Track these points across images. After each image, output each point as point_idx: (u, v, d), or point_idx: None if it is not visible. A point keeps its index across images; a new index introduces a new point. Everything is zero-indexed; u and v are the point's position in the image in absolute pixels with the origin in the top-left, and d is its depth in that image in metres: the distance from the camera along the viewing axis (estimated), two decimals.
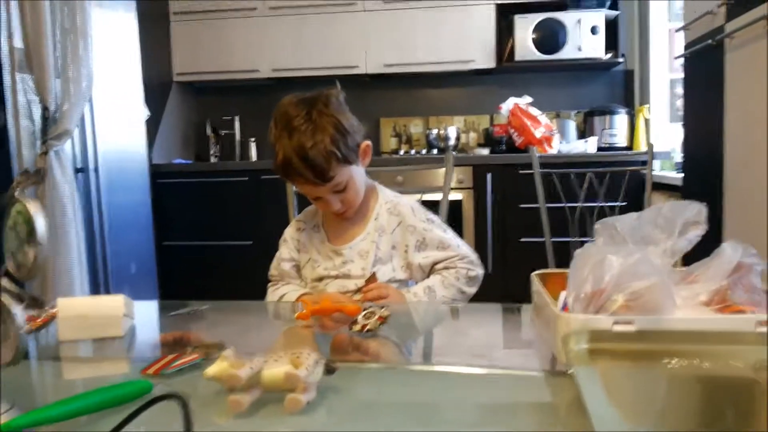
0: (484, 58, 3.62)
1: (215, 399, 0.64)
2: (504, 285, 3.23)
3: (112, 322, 0.91)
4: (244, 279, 3.44)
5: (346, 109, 1.23)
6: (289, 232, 1.40)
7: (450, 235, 1.34)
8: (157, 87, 3.68)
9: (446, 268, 1.31)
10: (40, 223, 0.52)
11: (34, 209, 0.53)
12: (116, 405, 0.61)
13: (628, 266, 0.70)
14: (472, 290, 1.32)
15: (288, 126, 1.18)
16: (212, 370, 0.64)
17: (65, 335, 0.91)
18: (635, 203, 2.91)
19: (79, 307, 0.94)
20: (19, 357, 0.57)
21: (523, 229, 3.27)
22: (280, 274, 1.37)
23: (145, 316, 1.08)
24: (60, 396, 0.59)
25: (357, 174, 1.26)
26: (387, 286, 1.24)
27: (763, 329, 0.69)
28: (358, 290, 1.21)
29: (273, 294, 1.34)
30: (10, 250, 0.56)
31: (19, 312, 0.56)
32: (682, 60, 2.58)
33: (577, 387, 0.59)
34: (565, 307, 0.77)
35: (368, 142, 1.28)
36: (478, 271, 1.33)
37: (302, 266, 1.36)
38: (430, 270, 1.32)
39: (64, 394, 0.60)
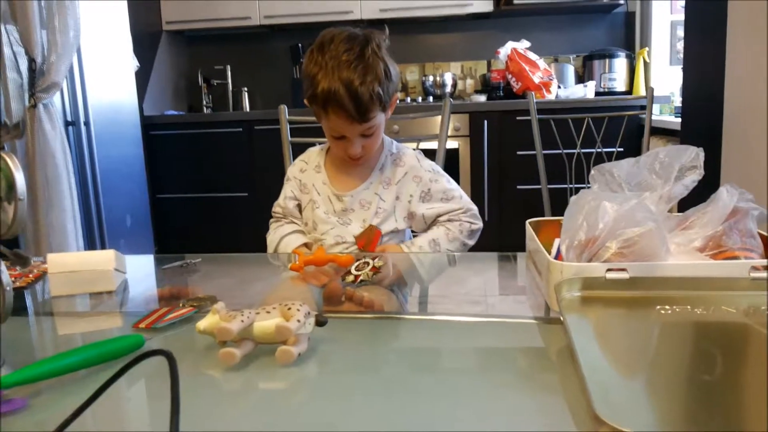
0: (482, 2, 3.53)
1: (208, 352, 0.64)
2: (500, 233, 3.24)
3: (103, 276, 0.91)
4: (240, 230, 3.46)
5: (390, 56, 1.23)
6: (292, 171, 1.40)
7: (454, 186, 1.34)
8: (146, 37, 3.60)
9: (450, 220, 1.31)
10: (20, 178, 0.51)
11: (14, 164, 0.51)
12: (108, 360, 0.61)
13: (622, 213, 0.69)
14: (472, 242, 1.33)
15: (338, 57, 1.15)
16: (204, 323, 0.64)
17: (57, 290, 0.91)
18: (633, 149, 2.90)
19: (69, 263, 0.93)
20: (6, 314, 0.56)
21: (519, 176, 3.26)
22: (283, 211, 1.38)
23: (137, 270, 1.08)
24: (54, 351, 0.59)
25: (383, 123, 1.26)
26: (384, 248, 1.25)
27: (758, 274, 0.69)
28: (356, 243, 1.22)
29: (274, 232, 1.35)
30: None
31: (4, 269, 0.55)
32: (683, 1, 2.51)
33: (568, 336, 0.59)
34: (558, 255, 0.76)
35: (398, 95, 1.27)
36: (480, 225, 1.34)
37: (303, 206, 1.36)
38: (433, 222, 1.32)
39: (58, 349, 0.60)
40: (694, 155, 0.80)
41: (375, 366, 0.62)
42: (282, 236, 1.32)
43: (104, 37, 2.90)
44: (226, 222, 3.52)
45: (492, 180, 3.30)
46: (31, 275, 0.96)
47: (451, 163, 3.20)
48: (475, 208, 1.34)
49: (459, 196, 1.33)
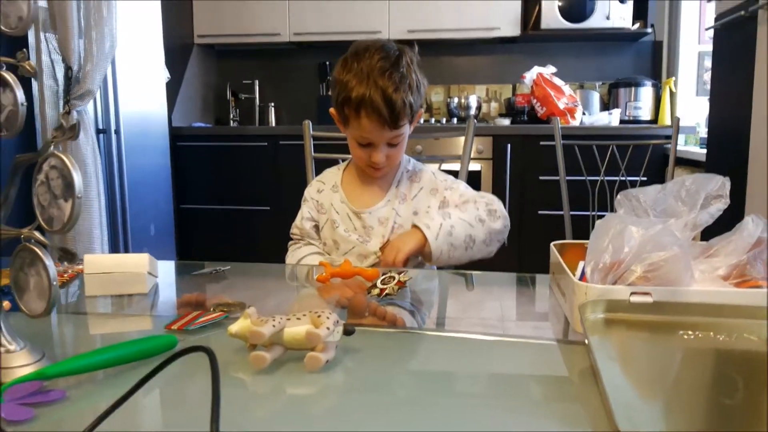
0: (509, 26, 3.56)
1: (237, 355, 0.66)
2: (520, 258, 3.24)
3: (136, 279, 0.93)
4: (261, 244, 3.50)
5: (422, 72, 1.29)
6: (309, 192, 1.41)
7: (471, 190, 1.36)
8: (178, 49, 3.68)
9: (465, 203, 1.31)
10: (77, 177, 0.54)
11: (71, 163, 0.54)
12: (142, 358, 0.63)
13: (648, 237, 0.70)
14: (495, 225, 1.27)
15: (373, 65, 1.20)
16: (235, 327, 0.65)
17: (91, 291, 0.94)
18: (657, 178, 2.89)
19: (104, 264, 0.96)
20: (51, 308, 0.59)
21: (541, 201, 3.26)
22: (300, 232, 1.38)
23: (167, 275, 1.11)
24: (88, 348, 0.61)
25: (407, 136, 1.29)
26: (392, 247, 1.20)
27: None
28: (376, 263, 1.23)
29: (293, 254, 1.36)
30: (42, 205, 0.58)
31: (51, 264, 0.58)
32: (711, 32, 2.52)
33: (591, 356, 0.60)
34: (583, 277, 0.77)
35: (422, 110, 1.32)
36: (499, 207, 1.30)
37: (321, 226, 1.37)
38: None
39: (91, 347, 0.62)
40: (720, 184, 0.81)
41: (396, 381, 0.63)
42: (300, 258, 1.33)
43: (138, 48, 2.98)
44: (247, 234, 3.56)
45: (513, 204, 3.30)
46: (66, 275, 1.00)
47: (472, 185, 3.17)
48: (495, 198, 1.32)
49: (477, 194, 1.33)
